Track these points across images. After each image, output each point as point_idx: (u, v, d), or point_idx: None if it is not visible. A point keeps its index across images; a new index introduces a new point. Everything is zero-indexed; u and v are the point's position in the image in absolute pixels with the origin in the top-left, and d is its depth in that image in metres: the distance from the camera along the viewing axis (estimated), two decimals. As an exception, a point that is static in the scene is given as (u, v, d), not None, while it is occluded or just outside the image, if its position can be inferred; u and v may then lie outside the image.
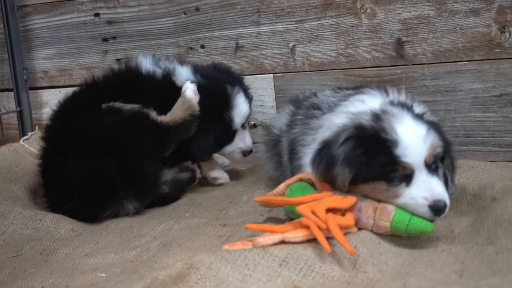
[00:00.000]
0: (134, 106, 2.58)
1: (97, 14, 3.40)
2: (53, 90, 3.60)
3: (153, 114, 2.58)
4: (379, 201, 1.89)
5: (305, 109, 2.42)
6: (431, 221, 1.83)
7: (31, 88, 3.61)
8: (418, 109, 2.06)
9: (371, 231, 1.85)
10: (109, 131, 2.47)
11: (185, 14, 3.23)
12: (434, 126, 1.94)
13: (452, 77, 2.79)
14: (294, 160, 2.33)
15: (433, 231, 1.80)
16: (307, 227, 1.75)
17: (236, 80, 2.81)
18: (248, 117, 2.84)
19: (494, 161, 2.72)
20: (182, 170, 2.74)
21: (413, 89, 2.83)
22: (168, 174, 2.63)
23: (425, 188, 1.83)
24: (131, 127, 2.52)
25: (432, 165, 1.87)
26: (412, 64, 2.86)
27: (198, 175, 2.80)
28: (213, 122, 2.70)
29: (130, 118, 2.54)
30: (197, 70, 2.78)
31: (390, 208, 1.84)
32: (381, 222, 1.83)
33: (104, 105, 2.58)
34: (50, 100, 3.56)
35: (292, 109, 2.57)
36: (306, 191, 2.02)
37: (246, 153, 2.83)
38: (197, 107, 2.63)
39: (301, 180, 2.10)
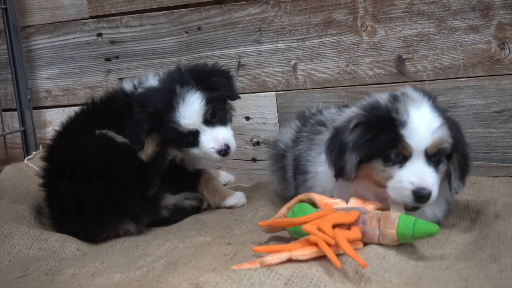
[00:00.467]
0: (126, 141, 2.56)
1: (99, 34, 3.43)
2: (56, 109, 3.62)
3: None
4: (382, 210, 1.92)
5: (310, 126, 2.45)
6: (414, 208, 1.90)
7: (35, 108, 3.63)
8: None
9: (378, 242, 1.86)
10: (100, 159, 2.47)
11: (187, 33, 3.26)
12: (451, 123, 1.97)
13: (453, 93, 2.81)
14: (298, 175, 2.36)
15: (438, 231, 1.81)
16: (315, 244, 1.76)
17: (194, 78, 2.61)
18: (205, 114, 2.57)
19: (496, 177, 2.73)
20: (190, 197, 2.72)
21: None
22: (171, 199, 2.63)
23: (415, 174, 1.88)
24: (120, 158, 2.51)
25: (432, 157, 1.90)
26: (413, 81, 2.88)
27: (205, 205, 2.76)
28: (163, 127, 2.58)
29: (121, 150, 2.53)
30: (161, 76, 2.71)
31: (394, 216, 1.86)
32: (386, 230, 1.84)
33: (97, 132, 2.56)
34: (54, 119, 3.58)
35: (298, 124, 2.59)
36: (308, 211, 2.03)
37: (221, 151, 2.59)
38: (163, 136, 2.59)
39: (301, 201, 2.12)
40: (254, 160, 3.21)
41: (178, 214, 2.63)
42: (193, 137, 2.59)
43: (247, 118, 3.21)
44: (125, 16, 3.36)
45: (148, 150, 2.57)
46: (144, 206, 2.52)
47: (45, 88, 3.62)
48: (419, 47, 2.85)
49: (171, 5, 3.27)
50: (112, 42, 3.42)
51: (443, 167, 1.96)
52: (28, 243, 2.32)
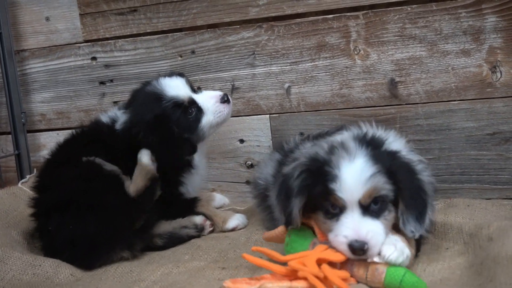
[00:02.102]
0: (115, 169, 2.56)
1: (94, 58, 3.45)
2: (51, 132, 3.62)
3: (127, 182, 2.56)
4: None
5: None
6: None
7: (29, 131, 3.63)
8: (395, 145, 2.08)
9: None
10: (89, 191, 2.46)
11: (181, 56, 3.28)
12: (394, 167, 1.93)
13: (445, 116, 2.83)
14: None
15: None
16: (304, 279, 1.77)
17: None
18: (189, 85, 2.76)
19: (489, 199, 2.74)
20: (188, 224, 2.69)
21: (407, 128, 2.87)
22: (165, 227, 2.62)
23: (349, 227, 1.86)
24: (110, 188, 2.50)
25: (368, 207, 1.88)
26: (406, 104, 2.90)
27: (206, 232, 2.73)
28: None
29: (109, 178, 2.53)
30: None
31: (381, 269, 1.84)
32: (373, 284, 1.84)
33: (84, 159, 2.56)
34: (48, 142, 3.58)
35: (278, 157, 2.57)
36: (303, 240, 2.03)
37: (223, 99, 2.73)
38: (155, 172, 2.60)
39: (302, 223, 2.09)
40: (248, 182, 3.21)
41: (174, 243, 2.60)
42: (195, 107, 2.70)
43: (241, 141, 3.22)
44: (119, 40, 3.38)
45: (139, 184, 2.55)
46: (138, 233, 2.51)
47: (39, 112, 3.63)
48: (412, 71, 2.87)
49: (165, 29, 3.29)
50: (106, 66, 3.43)
51: (388, 214, 1.93)
52: (22, 269, 2.31)
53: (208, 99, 2.72)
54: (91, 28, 3.42)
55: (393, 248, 1.84)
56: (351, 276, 1.87)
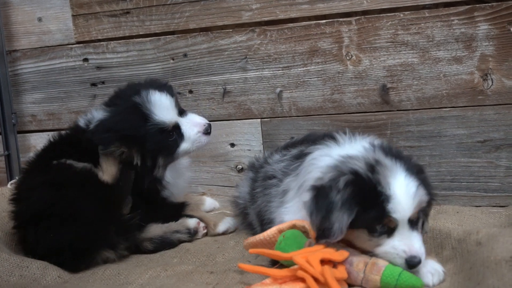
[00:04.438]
0: (86, 165, 2.53)
1: (86, 59, 3.44)
2: (41, 133, 3.60)
3: (100, 173, 2.53)
4: (370, 256, 1.92)
5: (261, 180, 2.46)
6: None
7: (19, 132, 3.62)
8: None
9: (360, 285, 1.88)
10: (63, 200, 2.43)
11: (173, 59, 3.27)
12: (421, 177, 1.97)
13: (436, 123, 2.84)
14: (266, 226, 2.30)
15: (423, 285, 1.84)
16: (302, 280, 1.77)
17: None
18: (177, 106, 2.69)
19: (479, 206, 2.75)
20: (181, 229, 2.67)
21: (398, 135, 2.88)
22: (156, 231, 2.60)
23: (405, 243, 1.89)
24: (82, 190, 2.46)
25: (414, 220, 1.92)
26: (397, 110, 2.90)
27: (200, 235, 2.72)
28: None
29: (81, 178, 2.50)
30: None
31: (381, 263, 1.87)
32: (371, 276, 1.86)
33: (55, 162, 2.55)
34: (38, 143, 3.55)
35: (252, 176, 2.60)
36: (299, 239, 2.03)
37: (207, 130, 2.69)
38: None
39: (294, 226, 2.09)
40: (238, 185, 3.20)
41: (164, 248, 2.58)
42: (178, 132, 2.65)
43: (232, 145, 3.21)
44: (112, 42, 3.37)
45: (112, 170, 2.53)
46: (120, 232, 2.48)
47: (30, 113, 3.61)
48: (403, 77, 2.87)
49: (157, 31, 3.28)
50: (98, 68, 3.42)
51: (420, 222, 1.99)
52: (9, 270, 2.29)
53: (191, 127, 2.67)
54: (84, 29, 3.41)
55: (430, 276, 1.91)
56: (348, 271, 1.89)
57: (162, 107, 2.61)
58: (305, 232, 2.07)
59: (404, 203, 1.87)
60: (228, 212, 3.04)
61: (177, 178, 2.79)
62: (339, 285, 1.76)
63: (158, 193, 2.71)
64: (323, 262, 1.84)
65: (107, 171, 2.53)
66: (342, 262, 1.90)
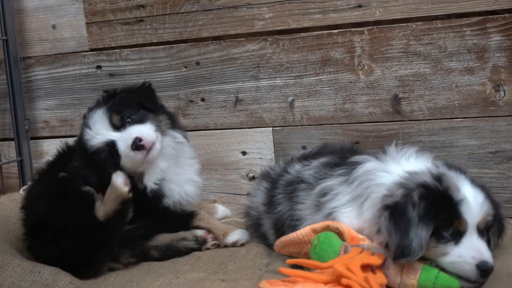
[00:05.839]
0: (90, 189, 2.55)
1: (99, 67, 3.46)
2: (54, 140, 3.62)
3: (98, 203, 2.51)
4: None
5: (283, 187, 2.45)
6: (474, 282, 1.86)
7: (32, 138, 3.64)
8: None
9: None
10: (63, 211, 2.46)
11: (185, 67, 3.29)
12: (486, 192, 2.01)
13: (448, 133, 2.84)
14: (287, 231, 2.30)
15: (460, 287, 1.83)
16: (347, 286, 1.78)
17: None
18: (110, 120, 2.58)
19: (490, 217, 2.74)
20: (188, 236, 2.66)
21: (409, 145, 2.86)
22: (163, 239, 2.60)
23: (474, 249, 1.88)
24: (81, 207, 2.49)
25: (482, 230, 1.92)
26: (409, 120, 2.91)
27: (209, 245, 2.69)
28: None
29: (84, 200, 2.52)
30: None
31: (417, 266, 1.87)
32: (408, 280, 1.86)
33: (60, 174, 2.57)
34: (51, 150, 3.58)
35: (267, 186, 2.60)
36: (334, 243, 2.03)
37: (133, 146, 2.50)
38: (127, 194, 2.47)
39: (328, 228, 2.09)
40: (250, 195, 3.21)
41: (170, 256, 2.58)
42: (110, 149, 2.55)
43: (244, 153, 3.22)
44: (125, 49, 3.40)
45: (110, 207, 2.48)
46: (123, 243, 2.50)
47: (43, 119, 3.63)
48: (415, 87, 2.88)
49: (170, 39, 3.30)
50: (111, 75, 3.44)
51: (487, 238, 1.99)
52: (21, 276, 2.30)
53: (123, 143, 2.53)
54: (97, 37, 3.44)
55: None
56: (385, 275, 1.89)
57: (95, 131, 2.59)
58: (339, 233, 2.07)
59: (474, 206, 1.90)
60: (239, 220, 3.05)
61: (183, 185, 2.75)
62: None
63: (158, 201, 2.67)
64: (364, 266, 1.86)
65: (105, 206, 2.50)
66: (379, 267, 1.90)
